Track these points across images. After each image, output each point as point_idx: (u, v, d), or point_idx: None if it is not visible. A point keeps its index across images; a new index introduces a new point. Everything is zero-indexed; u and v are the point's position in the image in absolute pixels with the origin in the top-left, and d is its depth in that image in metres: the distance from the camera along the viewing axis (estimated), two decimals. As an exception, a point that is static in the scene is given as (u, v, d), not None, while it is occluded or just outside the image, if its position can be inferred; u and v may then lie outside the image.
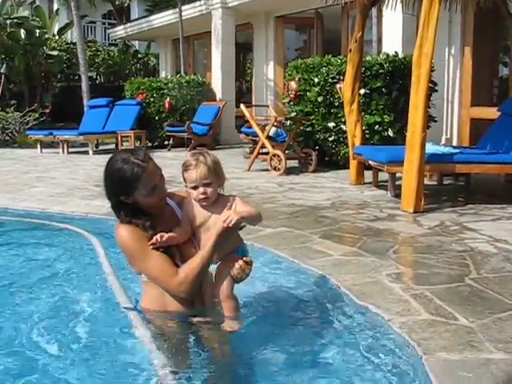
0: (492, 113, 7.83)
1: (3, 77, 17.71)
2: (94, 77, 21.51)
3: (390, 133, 8.50)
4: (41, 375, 2.35)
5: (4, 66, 17.87)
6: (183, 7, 14.86)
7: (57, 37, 20.28)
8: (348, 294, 3.22)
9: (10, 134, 15.41)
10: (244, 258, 2.65)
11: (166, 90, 13.87)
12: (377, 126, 8.51)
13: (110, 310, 2.99)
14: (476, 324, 2.74)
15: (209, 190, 2.56)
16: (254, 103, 14.49)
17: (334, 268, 3.68)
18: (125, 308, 2.82)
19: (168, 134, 13.34)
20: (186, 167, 2.58)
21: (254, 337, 2.60)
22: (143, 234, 2.53)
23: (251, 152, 9.78)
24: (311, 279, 3.55)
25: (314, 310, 3.08)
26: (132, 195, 2.50)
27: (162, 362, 2.32)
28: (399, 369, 2.39)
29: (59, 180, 8.26)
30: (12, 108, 15.97)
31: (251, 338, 2.59)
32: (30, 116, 15.62)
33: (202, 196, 2.55)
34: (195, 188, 2.57)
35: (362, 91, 8.25)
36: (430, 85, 6.39)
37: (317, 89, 9.01)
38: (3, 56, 18.09)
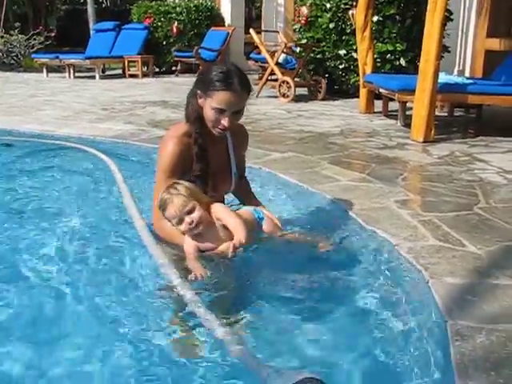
0: (509, 44, 7.62)
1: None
2: (100, 0, 21.02)
3: (402, 62, 8.35)
4: (57, 287, 2.41)
5: (6, -14, 17.45)
6: None
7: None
8: (356, 218, 3.21)
9: (15, 58, 15.19)
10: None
11: (173, 15, 13.57)
12: (389, 55, 8.37)
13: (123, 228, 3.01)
14: (483, 251, 2.74)
15: (194, 216, 2.34)
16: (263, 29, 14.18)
17: (342, 193, 3.67)
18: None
19: (176, 59, 13.14)
20: (162, 207, 2.39)
21: (259, 260, 2.60)
22: (184, 159, 2.49)
23: (260, 78, 9.64)
24: (319, 203, 3.54)
25: (321, 233, 3.07)
26: (204, 96, 2.44)
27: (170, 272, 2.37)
28: (405, 292, 2.41)
29: (66, 103, 8.18)
30: (16, 31, 15.67)
31: (257, 262, 2.59)
32: (34, 39, 15.35)
33: (191, 226, 2.36)
34: (181, 222, 2.37)
35: (375, 18, 8.06)
36: (446, 13, 6.20)
37: (329, 15, 8.81)
38: (5, -25, 17.64)
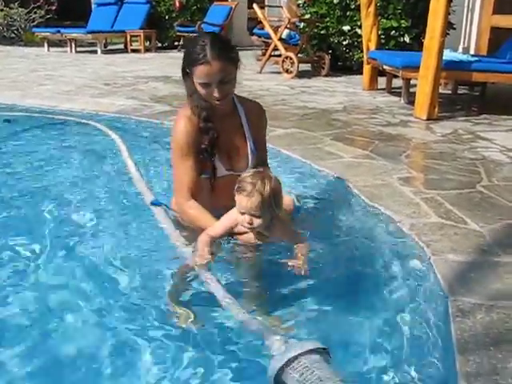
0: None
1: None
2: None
3: (407, 39, 8.29)
4: (72, 262, 2.45)
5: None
6: None
7: None
8: (359, 194, 3.22)
9: (15, 32, 15.07)
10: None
11: (176, -12, 13.45)
12: (393, 31, 8.29)
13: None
14: (485, 229, 2.75)
15: (256, 221, 2.23)
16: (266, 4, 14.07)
17: (346, 170, 3.67)
18: (151, 204, 2.82)
19: (178, 34, 13.04)
20: (238, 189, 2.22)
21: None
22: (196, 137, 2.47)
23: (263, 54, 9.58)
24: (322, 179, 3.56)
25: (324, 209, 3.09)
26: (190, 73, 2.41)
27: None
28: (407, 269, 2.42)
29: (68, 78, 8.14)
30: (16, 4, 15.49)
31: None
32: (35, 13, 15.20)
33: (247, 225, 2.24)
34: (243, 214, 2.23)
35: (380, -6, 7.97)
36: (452, -11, 6.15)
37: (333, -11, 8.71)
38: None
